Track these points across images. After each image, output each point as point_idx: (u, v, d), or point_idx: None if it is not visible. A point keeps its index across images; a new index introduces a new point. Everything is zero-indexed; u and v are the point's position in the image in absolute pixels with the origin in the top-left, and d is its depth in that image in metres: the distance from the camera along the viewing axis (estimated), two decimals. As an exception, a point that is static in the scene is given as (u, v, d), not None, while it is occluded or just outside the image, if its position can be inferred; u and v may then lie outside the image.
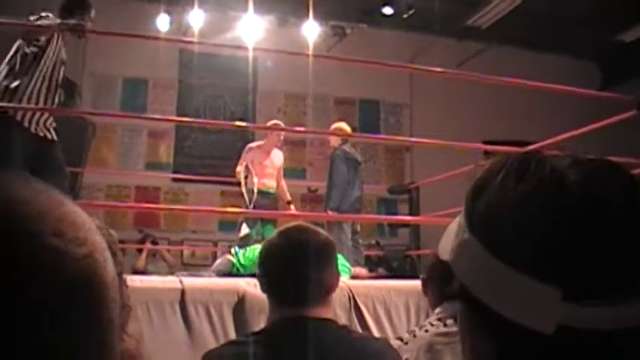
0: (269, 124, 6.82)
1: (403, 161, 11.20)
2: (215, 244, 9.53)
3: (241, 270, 4.90)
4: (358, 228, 6.70)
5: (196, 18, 8.97)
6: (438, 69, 5.13)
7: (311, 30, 9.27)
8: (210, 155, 10.11)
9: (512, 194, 0.59)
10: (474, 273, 0.60)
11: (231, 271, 4.93)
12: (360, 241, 6.73)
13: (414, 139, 9.48)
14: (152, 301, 3.24)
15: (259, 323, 3.02)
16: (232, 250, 5.26)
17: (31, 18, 4.13)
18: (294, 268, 1.69)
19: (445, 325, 1.97)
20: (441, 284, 2.06)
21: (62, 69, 4.39)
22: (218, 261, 5.50)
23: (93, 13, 4.43)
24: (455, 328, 1.89)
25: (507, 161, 0.62)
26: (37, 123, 4.22)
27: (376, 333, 3.51)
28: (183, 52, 9.99)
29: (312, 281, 1.66)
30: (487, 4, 9.30)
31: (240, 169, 6.42)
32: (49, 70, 4.25)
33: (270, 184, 6.62)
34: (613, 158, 0.62)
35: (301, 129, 9.83)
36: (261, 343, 1.61)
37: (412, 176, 10.43)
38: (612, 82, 10.19)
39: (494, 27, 9.74)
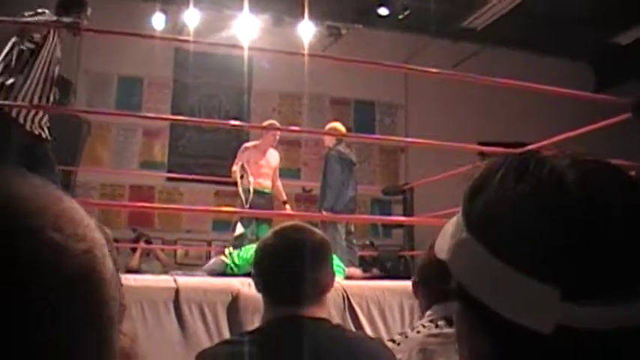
0: (265, 123, 6.81)
1: (398, 162, 11.21)
2: (209, 243, 9.53)
3: (235, 270, 4.90)
4: (352, 228, 6.70)
5: (192, 17, 8.97)
6: (434, 70, 5.13)
7: (306, 30, 9.27)
8: (204, 155, 10.10)
9: (511, 194, 0.59)
10: (472, 272, 0.60)
11: (224, 272, 4.92)
12: (354, 241, 6.72)
13: (408, 140, 9.49)
14: (146, 300, 3.23)
15: (253, 323, 3.02)
16: (226, 252, 5.25)
17: (26, 14, 4.12)
18: (290, 267, 1.69)
19: (437, 326, 1.96)
20: (432, 286, 2.05)
21: (57, 67, 4.39)
22: (212, 261, 5.49)
23: (89, 11, 4.43)
24: (447, 330, 1.89)
25: (506, 160, 0.62)
26: (33, 121, 4.22)
27: (370, 333, 3.50)
28: (178, 50, 9.98)
29: (307, 281, 1.66)
30: (482, 5, 9.32)
31: (235, 168, 6.42)
32: (45, 68, 4.25)
33: (266, 183, 6.62)
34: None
35: (296, 128, 9.83)
36: (256, 342, 1.61)
37: (407, 177, 10.45)
38: (607, 84, 10.22)
39: (490, 28, 9.76)
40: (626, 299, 0.53)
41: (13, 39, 4.20)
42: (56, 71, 4.38)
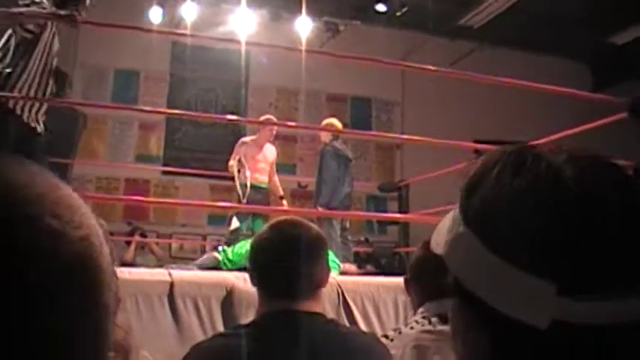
0: (262, 118, 6.81)
1: (393, 159, 11.22)
2: (204, 237, 9.53)
3: (229, 265, 4.89)
4: (347, 225, 6.70)
5: (189, 11, 8.95)
6: (431, 67, 5.12)
7: (304, 25, 9.26)
8: (200, 149, 10.09)
9: (508, 189, 0.59)
10: (468, 266, 0.60)
11: (216, 267, 4.91)
12: (349, 237, 6.73)
13: (404, 137, 9.48)
14: (141, 293, 3.23)
15: (247, 317, 3.02)
16: (219, 249, 5.23)
17: (20, 2, 4.09)
18: (286, 261, 1.69)
19: (430, 322, 1.97)
20: (425, 283, 2.05)
21: (55, 59, 4.38)
22: (205, 256, 5.49)
23: (88, 2, 4.40)
24: (440, 327, 1.90)
25: (503, 155, 0.62)
26: (30, 112, 4.21)
27: (364, 329, 3.50)
28: (175, 44, 9.96)
29: (302, 275, 1.66)
30: (480, 3, 9.33)
31: (232, 162, 6.41)
32: (43, 60, 4.24)
33: (263, 178, 6.62)
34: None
35: (292, 124, 9.81)
36: (250, 335, 1.61)
37: (402, 174, 10.45)
38: (604, 84, 10.23)
39: (487, 27, 9.77)
40: (622, 295, 0.53)
41: (9, 31, 4.19)
42: (54, 63, 4.37)
